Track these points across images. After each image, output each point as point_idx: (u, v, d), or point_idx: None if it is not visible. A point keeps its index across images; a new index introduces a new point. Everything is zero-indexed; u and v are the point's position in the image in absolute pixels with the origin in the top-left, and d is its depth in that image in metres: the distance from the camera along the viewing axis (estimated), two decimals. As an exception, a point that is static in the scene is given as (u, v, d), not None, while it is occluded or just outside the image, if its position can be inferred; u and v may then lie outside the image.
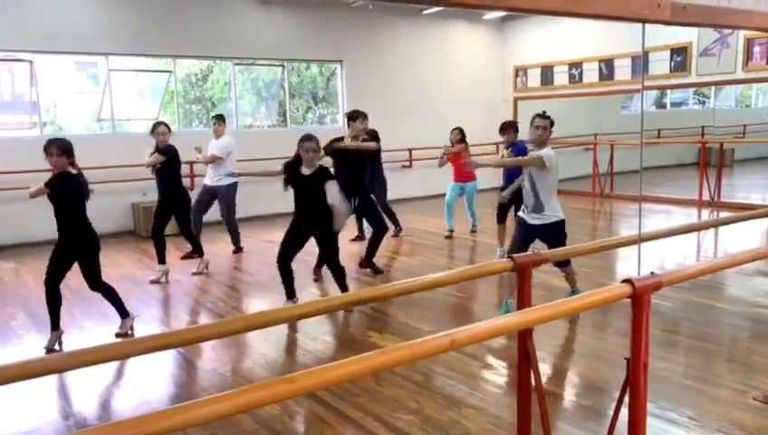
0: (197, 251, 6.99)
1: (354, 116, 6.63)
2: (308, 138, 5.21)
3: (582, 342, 4.67)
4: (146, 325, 5.34)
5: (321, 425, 3.48)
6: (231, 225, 7.93)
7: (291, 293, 5.40)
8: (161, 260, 6.64)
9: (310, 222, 5.30)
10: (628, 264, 6.40)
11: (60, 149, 4.49)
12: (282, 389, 1.52)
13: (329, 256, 5.47)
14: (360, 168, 6.60)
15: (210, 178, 7.74)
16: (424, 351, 1.78)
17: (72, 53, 9.68)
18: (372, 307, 5.40)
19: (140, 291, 6.27)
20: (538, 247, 4.36)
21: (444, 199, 8.48)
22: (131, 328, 5.06)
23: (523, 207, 5.11)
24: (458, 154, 7.88)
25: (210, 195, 7.82)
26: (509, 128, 6.72)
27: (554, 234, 4.89)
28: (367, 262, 6.67)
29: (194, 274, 6.84)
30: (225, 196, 7.74)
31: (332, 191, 5.13)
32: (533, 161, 4.85)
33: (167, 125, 6.71)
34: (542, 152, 4.87)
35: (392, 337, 4.78)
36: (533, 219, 4.93)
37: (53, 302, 4.69)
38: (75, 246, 4.70)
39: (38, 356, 1.66)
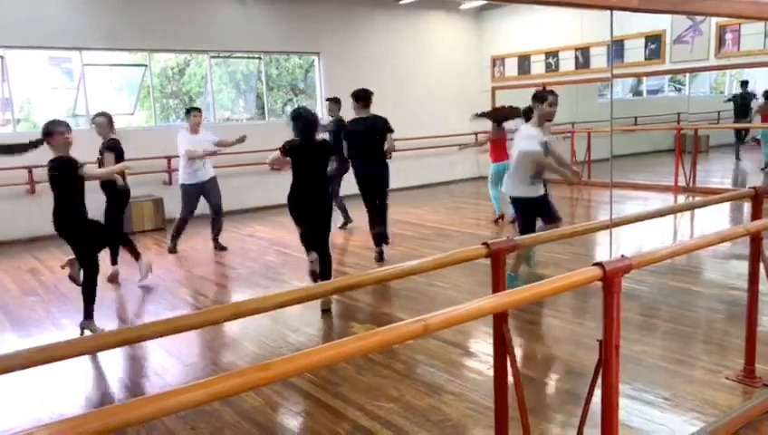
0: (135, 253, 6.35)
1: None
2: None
3: (560, 326, 4.73)
4: (126, 322, 5.32)
5: (302, 415, 3.50)
6: (220, 217, 7.83)
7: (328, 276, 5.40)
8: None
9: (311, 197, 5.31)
10: (604, 249, 6.48)
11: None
12: (258, 376, 1.52)
13: (325, 236, 5.46)
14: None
15: (199, 172, 7.52)
16: (398, 336, 1.81)
17: (44, 47, 9.54)
18: (353, 298, 5.42)
19: (120, 288, 6.24)
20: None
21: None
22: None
23: (522, 184, 5.34)
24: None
25: (199, 191, 7.60)
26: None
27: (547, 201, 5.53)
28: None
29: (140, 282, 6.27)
30: (216, 185, 7.72)
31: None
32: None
33: (105, 115, 6.21)
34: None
35: (374, 327, 4.78)
36: (539, 191, 5.38)
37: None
38: None
39: (11, 351, 1.66)
